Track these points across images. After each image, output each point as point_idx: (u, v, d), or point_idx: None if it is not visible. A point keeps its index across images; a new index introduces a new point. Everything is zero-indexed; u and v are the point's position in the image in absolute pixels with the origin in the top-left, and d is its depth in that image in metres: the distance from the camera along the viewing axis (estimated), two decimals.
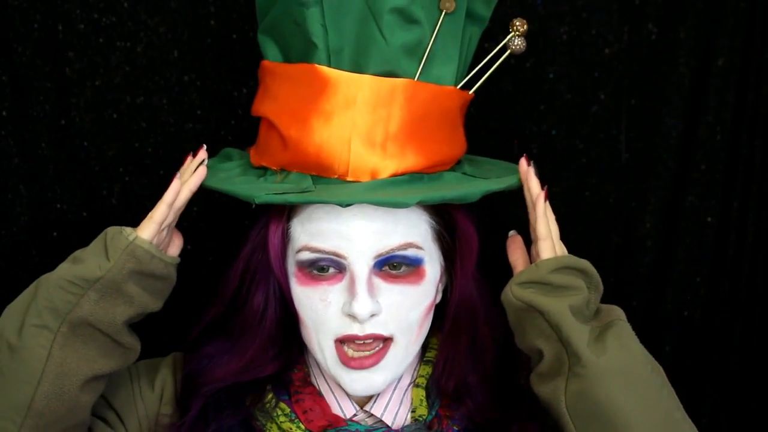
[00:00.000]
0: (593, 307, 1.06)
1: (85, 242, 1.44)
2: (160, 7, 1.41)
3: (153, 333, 1.45)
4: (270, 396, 1.13)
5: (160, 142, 1.44)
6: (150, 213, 1.08)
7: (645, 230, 1.50)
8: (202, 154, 1.11)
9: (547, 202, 1.10)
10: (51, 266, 1.44)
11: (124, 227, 1.05)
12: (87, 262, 1.03)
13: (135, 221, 1.45)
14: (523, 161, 1.11)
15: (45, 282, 1.04)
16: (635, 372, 1.02)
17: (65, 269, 1.04)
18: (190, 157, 1.12)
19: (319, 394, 1.13)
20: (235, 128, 1.45)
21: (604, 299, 1.50)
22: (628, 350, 1.03)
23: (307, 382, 1.14)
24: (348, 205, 1.04)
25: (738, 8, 1.43)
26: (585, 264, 1.07)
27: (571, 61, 1.47)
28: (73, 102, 1.42)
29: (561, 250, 1.09)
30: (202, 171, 1.10)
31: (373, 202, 1.03)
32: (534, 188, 1.10)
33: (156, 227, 1.06)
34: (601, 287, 1.08)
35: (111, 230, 1.05)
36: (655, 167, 1.49)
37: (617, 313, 1.07)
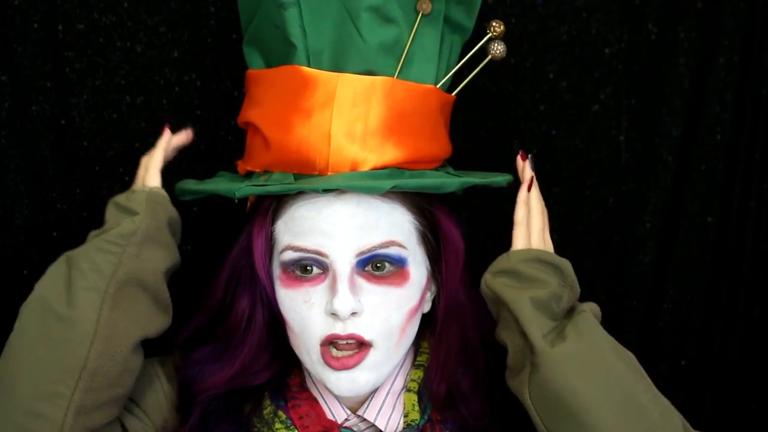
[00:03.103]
0: (565, 306, 1.06)
1: (85, 242, 1.45)
2: (160, 7, 1.41)
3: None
4: (268, 403, 1.13)
5: None
6: (145, 164, 1.16)
7: (645, 230, 1.50)
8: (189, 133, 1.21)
9: (537, 194, 1.13)
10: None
11: (126, 192, 1.12)
12: (115, 225, 1.07)
13: None
14: (519, 158, 1.15)
15: (80, 252, 1.06)
16: (592, 358, 1.01)
17: (96, 237, 1.08)
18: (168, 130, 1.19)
19: (315, 400, 1.13)
20: (235, 128, 1.44)
21: (606, 299, 1.51)
22: (585, 338, 1.02)
23: (304, 388, 1.14)
24: (325, 190, 1.04)
25: (738, 8, 1.43)
26: (560, 261, 1.07)
27: (571, 61, 1.47)
28: (73, 102, 1.42)
29: (539, 242, 1.10)
30: (189, 132, 1.20)
31: (349, 186, 1.03)
32: (524, 177, 1.14)
33: (158, 173, 1.14)
34: (577, 288, 1.08)
35: (118, 197, 1.12)
36: (655, 167, 1.49)
37: (584, 306, 1.07)
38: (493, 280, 1.07)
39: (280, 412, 1.12)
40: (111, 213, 1.10)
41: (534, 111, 1.48)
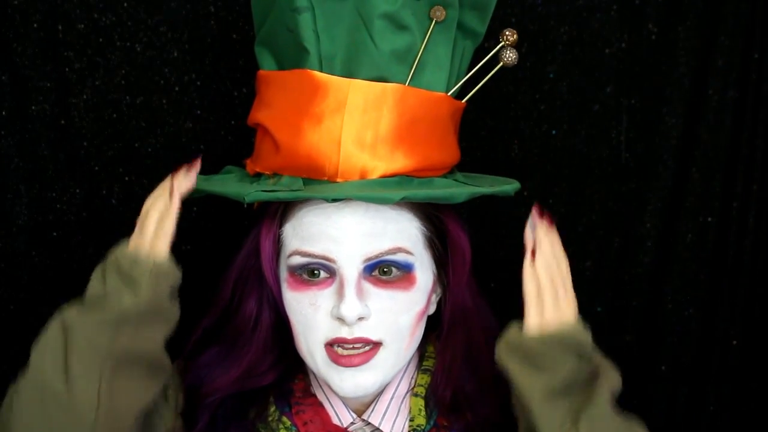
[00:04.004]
0: (583, 376, 1.01)
1: (85, 242, 1.45)
2: (160, 7, 1.41)
3: None
4: (273, 409, 1.13)
5: (160, 142, 1.44)
6: (147, 212, 1.07)
7: (645, 230, 1.50)
8: (197, 164, 1.10)
9: (545, 260, 1.04)
10: (51, 266, 1.46)
11: (131, 250, 1.03)
12: (116, 298, 1.01)
13: (135, 221, 1.45)
14: (534, 212, 1.07)
15: (76, 325, 1.01)
16: None
17: (94, 310, 1.01)
18: (184, 168, 1.10)
19: (320, 405, 1.13)
20: (235, 128, 1.45)
21: (606, 299, 1.51)
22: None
23: (308, 393, 1.14)
24: (335, 200, 1.04)
25: (738, 8, 1.43)
26: (577, 338, 1.01)
27: (571, 61, 1.47)
28: (73, 102, 1.42)
29: (553, 315, 1.01)
30: (193, 177, 1.09)
31: (358, 197, 1.03)
32: (526, 244, 1.05)
33: (168, 241, 1.05)
34: (596, 358, 1.03)
35: (121, 259, 1.03)
36: (655, 167, 1.49)
37: (603, 381, 1.02)
38: (506, 358, 1.02)
39: (285, 418, 1.12)
40: (111, 276, 1.03)
41: (534, 111, 1.48)
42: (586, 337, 1.02)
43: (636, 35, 1.46)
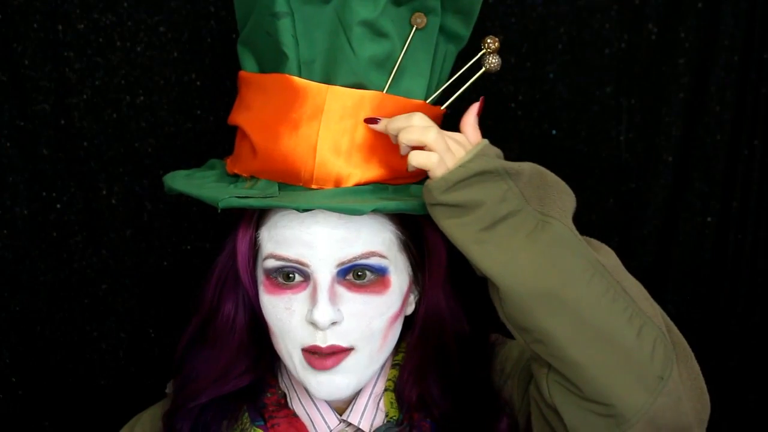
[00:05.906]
0: (516, 192, 0.98)
1: (85, 242, 1.46)
2: (160, 7, 1.42)
3: (156, 335, 1.45)
4: (245, 417, 1.13)
5: (160, 142, 1.45)
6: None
7: (645, 230, 1.50)
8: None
9: (413, 134, 1.01)
10: (51, 266, 1.46)
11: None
12: None
13: (135, 221, 1.46)
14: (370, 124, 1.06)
15: None
16: (563, 291, 0.95)
17: None
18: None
19: (295, 416, 1.13)
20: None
21: None
22: (557, 267, 0.96)
23: (282, 405, 1.14)
24: (305, 210, 1.04)
25: (738, 8, 1.43)
26: (481, 164, 0.97)
27: (571, 61, 1.47)
28: (73, 102, 1.42)
29: (451, 156, 0.98)
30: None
31: (329, 208, 1.02)
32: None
33: None
34: (518, 165, 1.00)
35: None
36: (655, 167, 1.49)
37: (551, 203, 1.00)
38: (431, 209, 1.00)
39: (258, 429, 1.12)
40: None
41: (534, 111, 1.48)
42: (489, 158, 0.99)
43: (636, 35, 1.46)
